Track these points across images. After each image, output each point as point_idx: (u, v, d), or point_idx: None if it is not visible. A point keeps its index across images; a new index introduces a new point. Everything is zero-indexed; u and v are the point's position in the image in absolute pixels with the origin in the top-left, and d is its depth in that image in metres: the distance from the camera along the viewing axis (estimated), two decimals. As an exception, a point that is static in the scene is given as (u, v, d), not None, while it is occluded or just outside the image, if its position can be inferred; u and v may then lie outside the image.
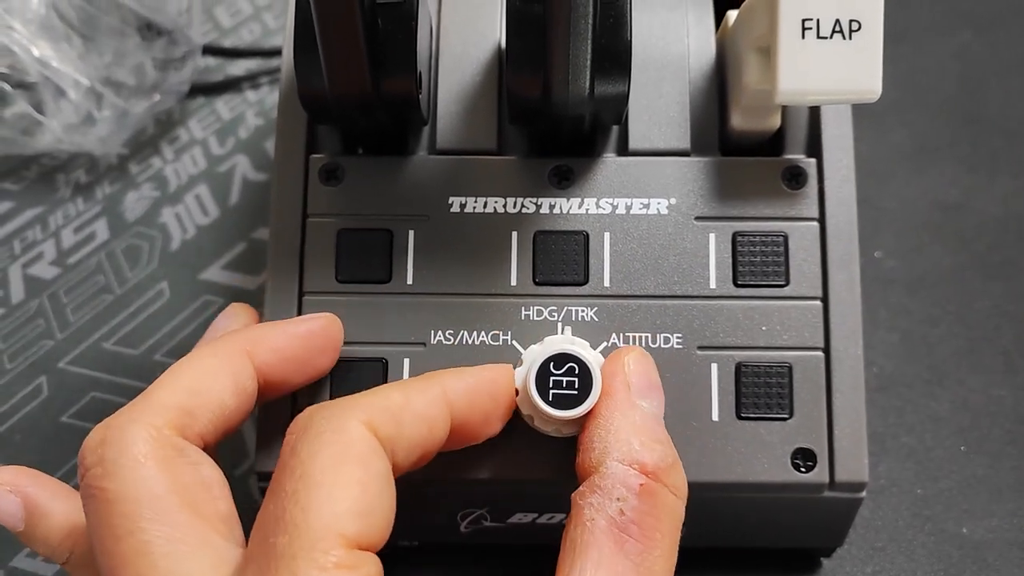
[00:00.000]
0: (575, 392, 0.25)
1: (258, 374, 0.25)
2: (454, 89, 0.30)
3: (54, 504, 0.26)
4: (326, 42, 0.26)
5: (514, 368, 0.26)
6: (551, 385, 0.25)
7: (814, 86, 0.26)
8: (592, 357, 0.25)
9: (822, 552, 0.31)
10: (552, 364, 0.25)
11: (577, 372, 0.25)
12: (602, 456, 0.23)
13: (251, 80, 0.45)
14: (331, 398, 0.28)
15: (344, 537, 0.20)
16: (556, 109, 0.27)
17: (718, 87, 0.30)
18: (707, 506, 0.28)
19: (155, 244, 0.40)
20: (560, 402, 0.25)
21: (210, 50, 0.45)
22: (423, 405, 0.24)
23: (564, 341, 0.26)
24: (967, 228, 0.39)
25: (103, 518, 0.21)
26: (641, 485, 0.23)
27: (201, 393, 0.23)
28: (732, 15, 0.30)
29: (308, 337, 0.26)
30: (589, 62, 0.26)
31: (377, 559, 0.21)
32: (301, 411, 0.27)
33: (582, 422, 0.26)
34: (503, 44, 0.30)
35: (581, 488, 0.23)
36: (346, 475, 0.21)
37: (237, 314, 0.29)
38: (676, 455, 0.24)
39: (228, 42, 0.46)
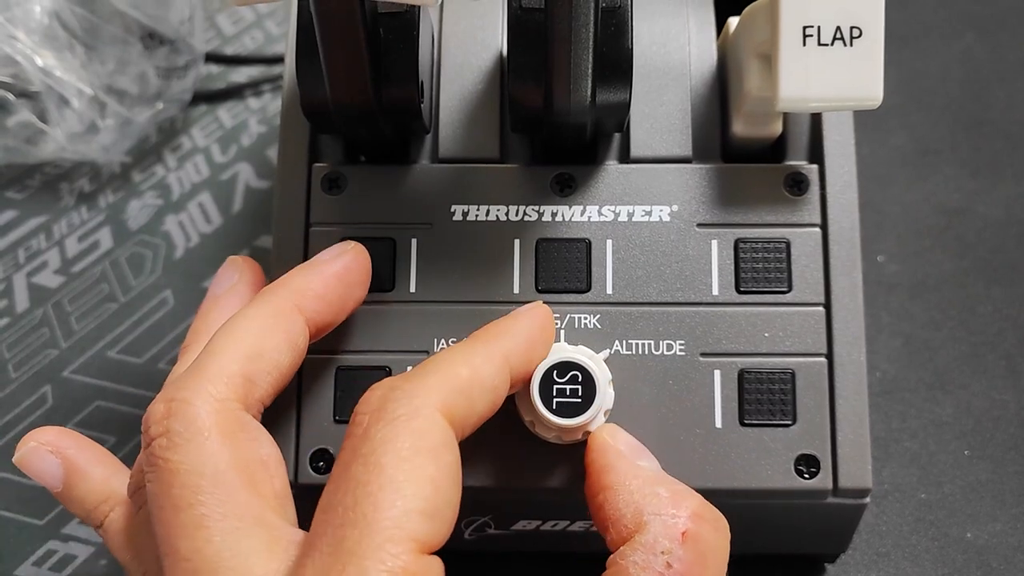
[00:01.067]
0: (578, 400, 0.25)
1: (308, 324, 0.25)
2: (456, 98, 0.30)
3: (94, 468, 0.26)
4: (328, 51, 0.26)
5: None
6: (554, 393, 0.25)
7: (815, 93, 0.26)
8: (596, 365, 0.26)
9: (826, 558, 0.31)
10: (555, 372, 0.25)
11: (580, 380, 0.25)
12: (637, 517, 0.23)
13: (254, 87, 0.45)
14: (334, 408, 0.28)
15: (414, 540, 0.20)
16: (558, 117, 0.27)
17: (719, 94, 0.30)
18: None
19: (159, 252, 0.40)
20: (563, 410, 0.25)
21: (212, 58, 0.45)
22: (489, 376, 0.23)
23: (568, 349, 0.26)
24: (969, 232, 0.39)
25: (165, 488, 0.21)
26: (684, 533, 0.22)
27: (260, 357, 0.23)
28: (733, 22, 0.30)
29: (345, 275, 0.26)
30: (591, 70, 0.26)
31: (440, 562, 0.21)
32: (300, 419, 0.28)
33: (583, 430, 0.26)
34: (505, 53, 0.30)
35: (621, 549, 0.22)
36: (419, 470, 0.20)
37: (241, 266, 0.29)
38: (699, 494, 0.24)
39: (230, 49, 0.46)
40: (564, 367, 0.25)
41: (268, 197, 0.41)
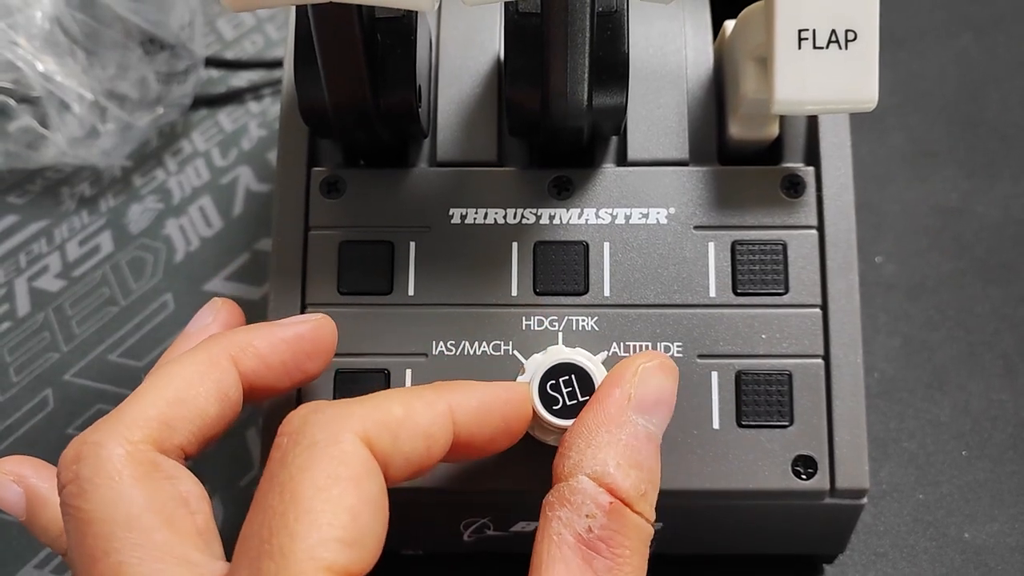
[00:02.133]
0: (577, 402, 0.25)
1: (243, 380, 0.24)
2: (454, 102, 0.30)
3: (55, 495, 0.25)
4: (326, 56, 0.26)
5: (516, 377, 0.26)
6: (553, 395, 0.25)
7: (811, 96, 0.26)
8: (594, 367, 0.26)
9: (824, 558, 0.31)
10: (555, 374, 0.25)
11: (579, 382, 0.25)
12: (575, 468, 0.23)
13: (253, 91, 0.45)
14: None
15: (331, 570, 0.19)
16: (555, 121, 0.27)
17: (716, 96, 0.30)
18: (709, 514, 0.28)
19: (159, 256, 0.40)
20: (562, 412, 0.25)
21: (212, 62, 0.45)
22: (426, 421, 0.22)
23: (566, 351, 0.26)
24: (967, 233, 0.39)
25: (80, 538, 0.21)
26: (610, 503, 0.22)
27: (182, 403, 0.23)
28: (729, 25, 0.30)
29: (296, 342, 0.25)
30: (587, 74, 0.26)
31: None
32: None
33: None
34: (502, 57, 0.30)
35: (550, 497, 0.23)
36: (337, 499, 0.20)
37: (219, 310, 0.28)
38: (656, 481, 0.23)
39: (230, 54, 0.46)
40: (562, 369, 0.25)
41: (269, 200, 0.42)
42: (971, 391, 0.35)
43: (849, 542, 0.29)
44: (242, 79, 0.46)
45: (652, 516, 0.23)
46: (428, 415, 0.23)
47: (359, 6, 0.25)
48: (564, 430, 0.25)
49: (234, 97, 0.45)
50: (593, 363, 0.26)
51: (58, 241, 0.41)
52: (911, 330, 0.37)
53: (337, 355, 0.28)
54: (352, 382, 0.28)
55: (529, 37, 0.27)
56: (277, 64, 0.45)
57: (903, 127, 0.42)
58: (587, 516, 0.22)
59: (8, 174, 0.42)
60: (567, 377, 0.25)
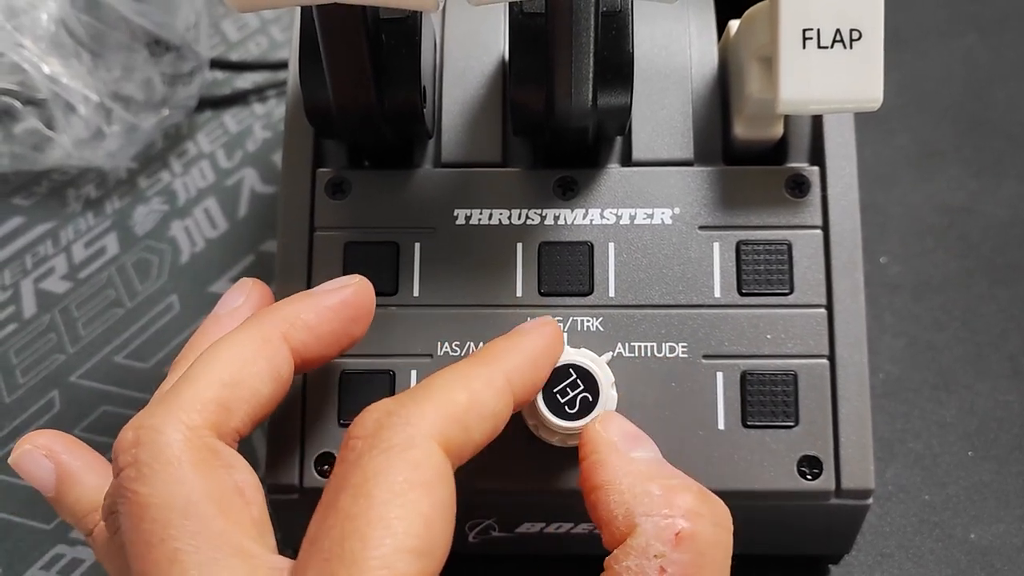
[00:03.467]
0: (581, 403, 0.25)
1: (294, 354, 0.24)
2: (458, 102, 0.30)
3: (87, 475, 0.26)
4: (331, 58, 0.26)
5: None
6: (557, 396, 0.25)
7: (815, 95, 0.26)
8: (598, 368, 0.26)
9: (830, 559, 0.31)
10: (559, 375, 0.25)
11: (583, 383, 0.25)
12: (629, 519, 0.22)
13: (258, 93, 0.45)
14: (339, 412, 0.28)
15: None
16: (559, 121, 0.27)
17: (721, 96, 0.30)
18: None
19: (164, 258, 0.40)
20: (566, 413, 0.25)
21: (218, 64, 0.45)
22: (490, 401, 0.22)
23: (571, 352, 0.26)
24: (973, 233, 0.39)
25: (136, 522, 0.21)
26: (677, 534, 0.21)
27: (237, 384, 0.22)
28: (734, 25, 0.30)
29: (341, 309, 0.25)
30: (592, 74, 0.26)
31: None
32: (305, 423, 0.28)
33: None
34: (507, 57, 0.31)
35: (616, 553, 0.22)
36: (412, 506, 0.20)
37: (250, 290, 0.28)
38: (693, 484, 0.23)
39: (235, 55, 0.47)
40: (567, 370, 0.25)
41: (274, 202, 0.42)
42: (977, 392, 0.35)
43: (855, 543, 0.29)
44: (247, 80, 0.46)
45: (724, 515, 0.23)
46: (490, 394, 0.22)
47: (364, 7, 0.25)
48: (568, 431, 0.25)
49: (239, 99, 0.45)
50: (597, 364, 0.26)
51: (64, 243, 0.41)
52: (917, 331, 0.37)
53: (342, 356, 0.28)
54: (357, 383, 0.28)
55: (534, 37, 0.27)
56: (282, 66, 0.46)
57: (908, 127, 0.42)
58: (656, 556, 0.21)
59: (14, 176, 0.43)
60: (572, 379, 0.25)
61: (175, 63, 0.42)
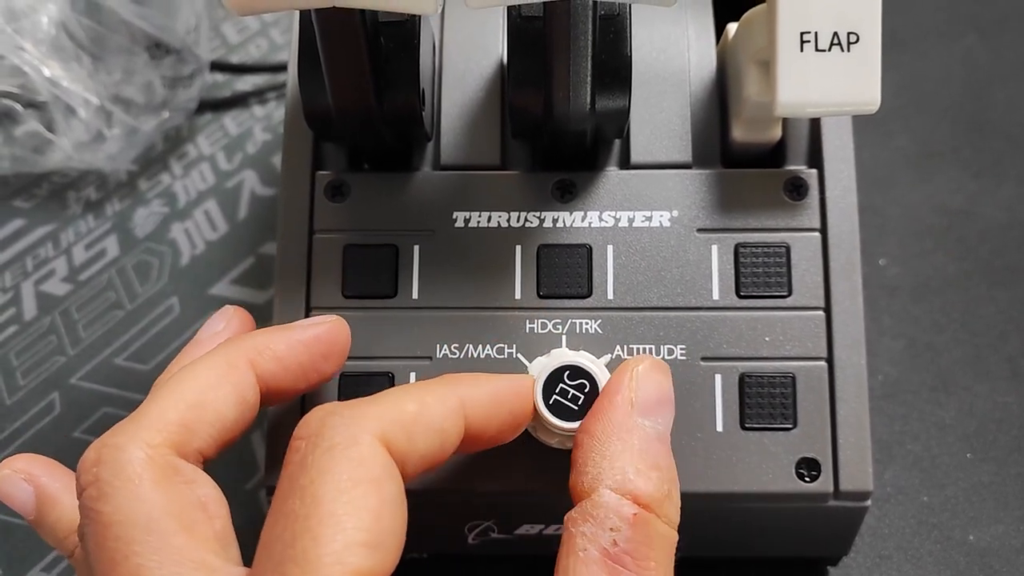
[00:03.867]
0: (580, 404, 0.25)
1: (260, 383, 0.24)
2: (457, 105, 0.30)
3: (65, 496, 0.26)
4: (330, 60, 0.26)
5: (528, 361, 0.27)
6: (557, 397, 0.25)
7: (813, 98, 0.26)
8: (598, 370, 0.26)
9: (828, 561, 0.31)
10: (558, 376, 0.25)
11: (583, 384, 0.25)
12: (595, 482, 0.23)
13: (258, 95, 0.46)
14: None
15: (357, 574, 0.19)
16: (558, 124, 0.27)
17: (719, 99, 0.30)
18: (713, 516, 0.28)
19: (165, 260, 0.40)
20: (565, 414, 0.25)
21: (218, 66, 0.46)
22: (439, 417, 0.23)
23: (569, 354, 0.26)
24: (971, 234, 0.39)
25: (99, 541, 0.21)
26: (634, 515, 0.22)
27: (201, 406, 0.23)
28: (732, 28, 0.30)
29: (312, 343, 0.25)
30: (590, 77, 0.26)
31: None
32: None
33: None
34: (505, 60, 0.31)
35: (573, 513, 0.23)
36: (360, 501, 0.20)
37: (231, 317, 0.28)
38: (675, 479, 0.24)
39: (236, 58, 0.47)
40: (566, 371, 0.25)
41: (273, 204, 0.42)
42: (976, 393, 0.35)
43: (853, 544, 0.29)
44: (247, 83, 0.46)
45: (677, 516, 0.23)
46: (441, 410, 0.23)
47: (363, 10, 0.25)
48: (568, 433, 0.25)
49: (239, 101, 0.45)
50: (596, 366, 0.26)
51: (64, 245, 0.41)
52: (915, 332, 0.37)
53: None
54: (357, 385, 0.28)
55: (532, 41, 0.27)
56: (282, 68, 0.46)
57: (907, 129, 0.42)
58: (611, 530, 0.22)
59: (15, 178, 0.43)
60: (571, 380, 0.25)
61: (175, 66, 0.43)
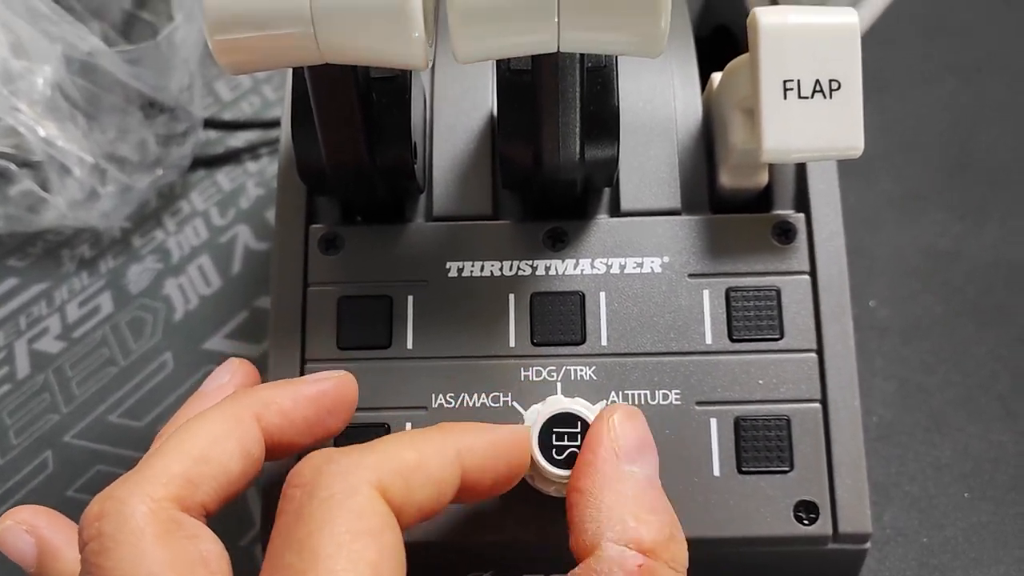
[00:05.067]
0: (576, 451, 0.25)
1: (265, 437, 0.24)
2: (448, 157, 0.31)
3: (67, 550, 0.25)
4: (323, 116, 0.27)
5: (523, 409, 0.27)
6: (554, 444, 0.25)
7: (798, 144, 0.27)
8: (592, 416, 0.26)
9: (830, 606, 0.31)
10: (554, 424, 0.26)
11: (578, 431, 0.25)
12: (596, 537, 0.22)
13: (251, 151, 0.46)
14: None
15: None
16: (548, 174, 0.28)
17: (706, 147, 0.31)
18: (712, 562, 0.28)
19: (159, 315, 0.40)
20: (562, 462, 0.25)
21: (211, 123, 0.46)
22: (436, 467, 0.22)
23: (564, 401, 0.26)
24: (958, 275, 0.39)
25: None
26: (640, 566, 0.22)
27: (205, 461, 0.23)
28: (716, 77, 0.31)
29: (319, 398, 0.25)
30: (579, 128, 0.27)
31: None
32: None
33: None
34: (495, 113, 0.31)
35: (577, 571, 0.22)
36: (359, 555, 0.20)
37: (235, 370, 0.28)
38: (674, 520, 0.23)
39: (228, 115, 0.47)
40: (561, 419, 0.26)
41: (267, 258, 0.42)
42: (970, 433, 0.35)
43: (854, 589, 0.29)
44: (240, 139, 0.47)
45: (685, 558, 0.23)
46: (438, 461, 0.23)
47: (354, 66, 0.26)
48: (564, 480, 0.25)
49: (232, 157, 0.46)
50: (592, 412, 0.26)
51: (58, 303, 0.41)
52: (907, 373, 0.37)
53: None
54: (353, 436, 0.28)
55: (521, 93, 0.27)
56: (274, 124, 0.46)
57: (891, 171, 0.43)
58: None
59: (8, 238, 0.43)
60: (567, 427, 0.26)
61: (169, 124, 0.43)
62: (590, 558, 0.22)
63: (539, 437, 0.25)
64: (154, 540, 0.21)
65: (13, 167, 0.41)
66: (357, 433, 0.28)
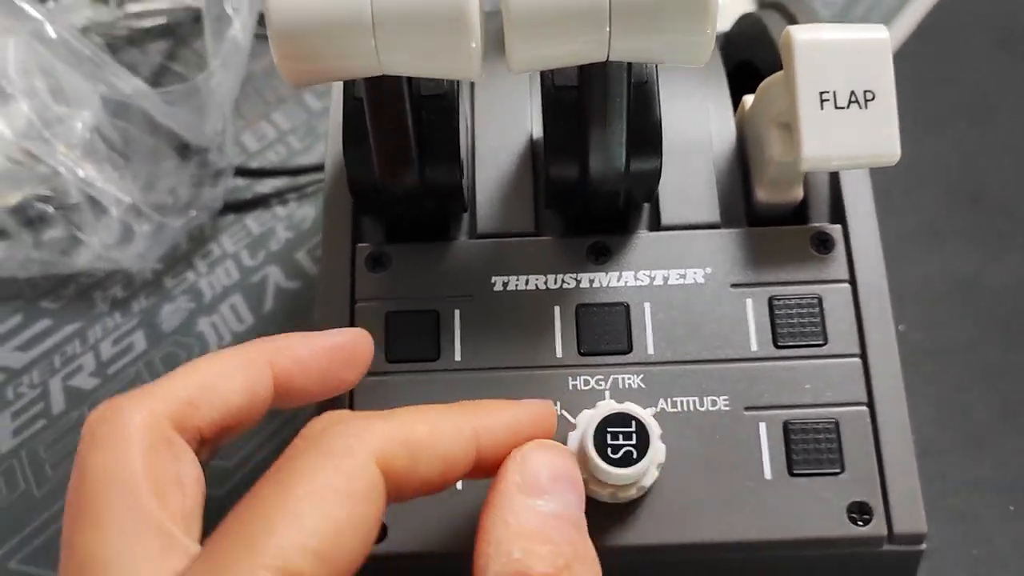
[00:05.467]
0: (631, 452, 0.25)
1: (276, 383, 0.24)
2: (491, 178, 0.32)
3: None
4: (378, 130, 0.27)
5: (566, 436, 0.27)
6: (608, 444, 0.25)
7: (836, 152, 0.27)
8: (648, 418, 0.26)
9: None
10: (608, 424, 0.26)
11: (634, 431, 0.26)
12: (482, 572, 0.21)
13: (279, 196, 0.47)
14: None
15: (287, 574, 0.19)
16: (594, 187, 0.29)
17: (741, 166, 0.32)
18: (767, 568, 0.28)
19: (192, 352, 0.40)
20: (618, 461, 0.25)
21: (241, 171, 0.47)
22: (449, 444, 0.22)
23: (617, 404, 0.26)
24: (984, 299, 0.40)
25: (76, 484, 0.21)
26: None
27: (210, 388, 0.23)
28: (748, 99, 0.32)
29: (333, 350, 0.26)
30: (624, 140, 0.28)
31: None
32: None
33: (637, 484, 0.26)
34: (534, 134, 0.32)
35: None
36: (326, 509, 0.20)
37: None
38: (577, 552, 0.22)
39: (255, 164, 0.48)
40: (616, 419, 0.26)
41: (299, 295, 0.42)
42: (1010, 448, 0.35)
43: (909, 597, 0.29)
44: (268, 186, 0.47)
45: None
46: (452, 437, 0.22)
47: (408, 80, 0.26)
48: (621, 483, 0.25)
49: (261, 202, 0.47)
50: (647, 414, 0.26)
51: (91, 341, 0.41)
52: (943, 393, 0.37)
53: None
54: (403, 448, 0.28)
55: (567, 110, 0.28)
56: (304, 171, 0.47)
57: (908, 207, 0.44)
58: None
59: (42, 280, 0.43)
60: (622, 427, 0.26)
61: (201, 167, 0.44)
62: None
63: (594, 439, 0.26)
64: (140, 450, 0.21)
65: (50, 209, 0.42)
66: (408, 444, 0.28)
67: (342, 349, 0.26)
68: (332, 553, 0.19)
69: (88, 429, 0.22)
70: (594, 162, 0.28)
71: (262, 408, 0.24)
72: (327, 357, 0.25)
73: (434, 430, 0.22)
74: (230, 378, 0.24)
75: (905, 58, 0.50)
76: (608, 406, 0.26)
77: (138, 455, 0.21)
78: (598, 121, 0.27)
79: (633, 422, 0.26)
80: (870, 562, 0.28)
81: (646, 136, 0.28)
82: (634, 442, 0.26)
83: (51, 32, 0.41)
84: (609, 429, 0.26)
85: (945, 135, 0.47)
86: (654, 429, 0.26)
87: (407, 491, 0.22)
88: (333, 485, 0.20)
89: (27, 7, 0.41)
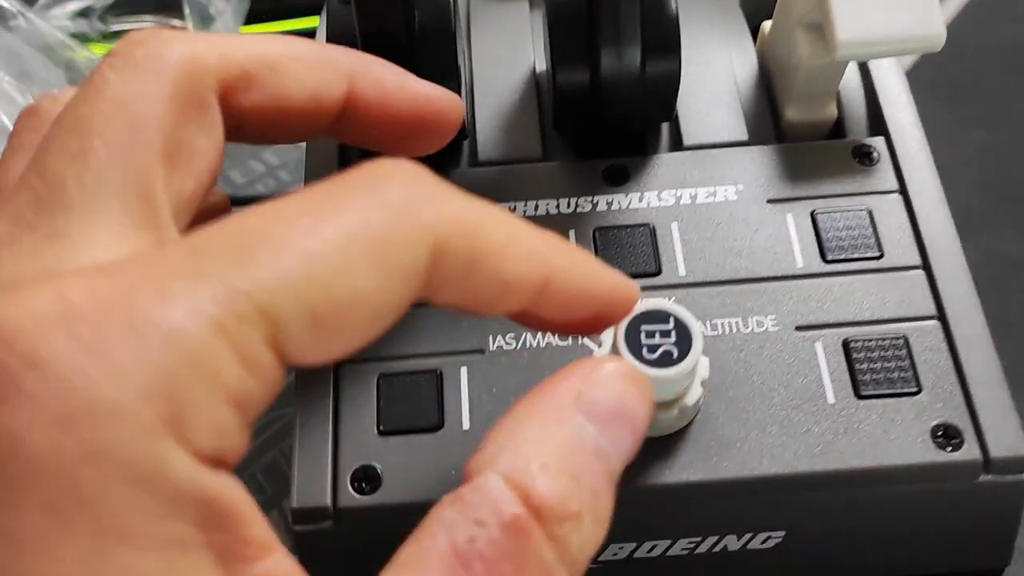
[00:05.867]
0: (672, 351, 0.21)
1: (348, 99, 0.21)
2: (491, 106, 0.29)
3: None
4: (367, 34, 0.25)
5: (596, 346, 0.23)
6: (643, 344, 0.21)
7: (875, 34, 0.25)
8: (688, 315, 0.22)
9: (985, 574, 0.25)
10: (643, 321, 0.21)
11: (672, 328, 0.21)
12: (486, 464, 0.16)
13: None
14: (378, 420, 0.24)
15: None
16: (608, 93, 0.26)
17: (765, 93, 0.29)
18: (839, 507, 0.23)
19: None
20: (655, 361, 0.21)
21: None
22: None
23: (651, 300, 0.22)
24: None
25: (78, 102, 0.18)
26: (513, 515, 0.15)
27: (273, 68, 0.20)
28: (767, 25, 0.30)
29: (420, 98, 0.22)
30: (639, 38, 0.25)
31: None
32: (340, 434, 0.23)
33: (680, 405, 0.22)
34: (537, 68, 0.29)
35: (445, 497, 0.16)
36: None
37: None
38: (597, 507, 0.17)
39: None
40: (651, 316, 0.21)
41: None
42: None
43: (1015, 548, 0.24)
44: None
45: (583, 561, 0.16)
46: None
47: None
48: (659, 383, 0.21)
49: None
50: (687, 313, 0.22)
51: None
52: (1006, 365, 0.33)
53: (385, 358, 0.24)
54: (399, 385, 0.24)
55: (572, 15, 0.26)
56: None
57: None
58: (476, 523, 0.15)
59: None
60: (658, 324, 0.21)
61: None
62: (468, 484, 0.16)
63: (626, 337, 0.21)
64: (169, 95, 0.18)
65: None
66: (406, 381, 0.24)
67: (431, 101, 0.22)
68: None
69: (124, 47, 0.18)
70: (606, 61, 0.25)
71: (317, 122, 0.21)
72: (412, 102, 0.22)
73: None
74: (298, 64, 0.20)
75: (916, 73, 0.49)
76: (641, 304, 0.22)
77: (164, 100, 0.18)
78: (608, 15, 0.25)
79: (671, 319, 0.22)
80: (966, 499, 0.23)
81: (662, 32, 0.26)
82: (673, 340, 0.21)
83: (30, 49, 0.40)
84: (644, 327, 0.21)
85: (967, 142, 0.45)
86: (695, 328, 0.22)
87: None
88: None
89: (7, 21, 0.40)
